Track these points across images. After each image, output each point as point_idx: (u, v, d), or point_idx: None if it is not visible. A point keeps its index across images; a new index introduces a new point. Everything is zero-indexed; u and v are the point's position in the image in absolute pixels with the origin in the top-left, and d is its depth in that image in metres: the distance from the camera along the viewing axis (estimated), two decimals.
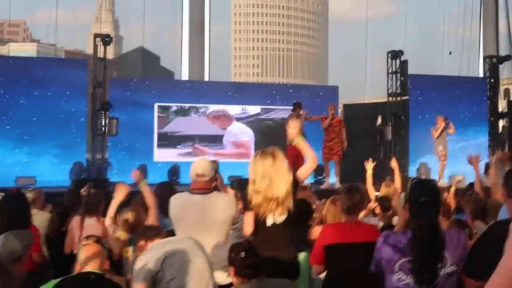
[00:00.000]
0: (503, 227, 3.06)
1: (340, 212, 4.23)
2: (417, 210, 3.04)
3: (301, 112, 12.30)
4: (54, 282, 3.38)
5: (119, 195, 4.86)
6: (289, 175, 3.93)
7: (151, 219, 4.66)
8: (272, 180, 3.85)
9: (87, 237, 3.74)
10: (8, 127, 13.25)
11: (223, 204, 4.15)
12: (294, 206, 3.93)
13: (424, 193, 3.08)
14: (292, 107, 12.59)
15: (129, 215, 4.63)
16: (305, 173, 4.20)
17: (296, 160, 11.95)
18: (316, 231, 4.54)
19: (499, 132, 16.62)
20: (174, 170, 14.30)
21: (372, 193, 6.50)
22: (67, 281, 3.39)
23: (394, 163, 6.98)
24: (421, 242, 2.94)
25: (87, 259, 3.46)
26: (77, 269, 3.48)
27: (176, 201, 4.19)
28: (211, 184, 4.28)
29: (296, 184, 4.01)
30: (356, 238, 3.89)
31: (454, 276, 3.01)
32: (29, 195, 6.06)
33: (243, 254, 3.28)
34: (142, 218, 4.65)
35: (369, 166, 6.64)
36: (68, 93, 13.62)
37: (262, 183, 3.84)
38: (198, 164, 4.21)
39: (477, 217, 5.10)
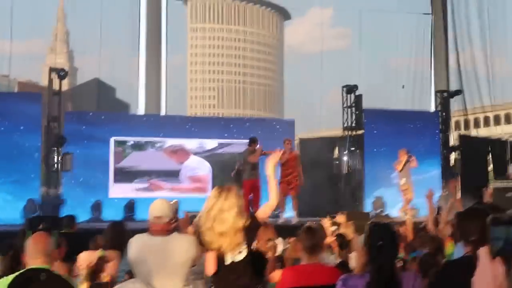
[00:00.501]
0: (456, 267, 3.15)
1: (302, 252, 4.22)
2: (375, 253, 3.08)
3: (256, 147, 12.35)
4: (5, 281, 3.32)
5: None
6: (242, 212, 3.92)
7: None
8: (224, 216, 3.84)
9: None
10: None
11: (182, 246, 4.12)
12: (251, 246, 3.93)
13: (382, 236, 3.12)
14: (248, 142, 12.63)
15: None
16: (265, 213, 4.21)
17: (253, 194, 12.01)
18: (276, 275, 4.53)
19: (452, 165, 16.99)
20: (130, 206, 14.11)
21: (329, 228, 6.54)
22: (17, 280, 3.33)
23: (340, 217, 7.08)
24: (378, 286, 2.98)
25: (35, 252, 3.42)
26: (25, 262, 3.47)
27: (135, 243, 4.15)
28: (170, 225, 4.25)
29: (255, 222, 4.01)
30: (317, 281, 3.89)
31: None
32: None
33: None
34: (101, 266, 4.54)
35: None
36: (21, 127, 13.34)
37: (215, 221, 3.82)
38: (156, 206, 4.19)
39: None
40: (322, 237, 4.28)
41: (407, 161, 13.45)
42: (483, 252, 0.89)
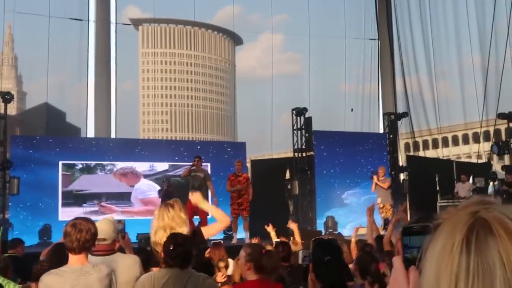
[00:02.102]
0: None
1: (249, 270, 4.22)
2: (323, 269, 3.11)
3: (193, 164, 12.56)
4: None
5: None
6: (185, 226, 3.98)
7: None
8: (170, 230, 3.89)
9: None
10: None
11: (125, 265, 4.09)
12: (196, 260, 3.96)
13: (327, 252, 3.15)
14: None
15: None
16: (213, 230, 4.28)
17: (198, 211, 12.01)
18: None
19: (400, 185, 17.31)
20: None
21: (274, 238, 6.67)
22: None
23: (292, 224, 7.18)
24: None
25: None
26: None
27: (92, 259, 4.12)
28: (114, 246, 4.23)
29: (197, 237, 4.09)
30: None
31: None
32: None
33: (171, 246, 3.47)
34: None
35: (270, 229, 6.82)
36: None
37: (162, 234, 3.85)
38: (98, 228, 4.15)
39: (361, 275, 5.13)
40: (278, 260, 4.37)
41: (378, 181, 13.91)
42: (396, 261, 0.94)
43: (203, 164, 13.36)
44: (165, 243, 3.53)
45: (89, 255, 4.03)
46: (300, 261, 4.39)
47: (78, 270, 3.54)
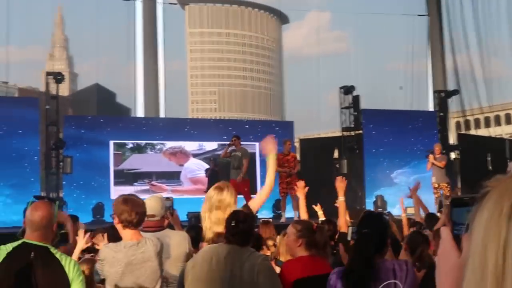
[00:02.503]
0: None
1: (300, 246, 4.23)
2: (359, 240, 3.10)
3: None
4: (3, 250, 3.25)
5: (81, 242, 4.79)
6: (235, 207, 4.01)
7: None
8: (220, 213, 3.91)
9: None
10: None
11: (175, 241, 4.16)
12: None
13: (368, 225, 3.13)
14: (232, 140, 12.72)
15: (84, 267, 4.52)
16: (259, 199, 4.30)
17: (242, 192, 12.09)
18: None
19: (451, 164, 17.01)
20: None
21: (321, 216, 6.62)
22: (12, 255, 3.25)
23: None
24: (352, 274, 2.97)
25: (32, 224, 3.32)
26: (26, 233, 3.35)
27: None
28: (163, 222, 4.30)
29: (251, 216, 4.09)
30: (319, 271, 3.92)
31: None
32: None
33: (233, 222, 3.44)
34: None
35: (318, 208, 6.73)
36: (20, 132, 13.45)
37: (213, 217, 3.87)
38: (148, 205, 4.22)
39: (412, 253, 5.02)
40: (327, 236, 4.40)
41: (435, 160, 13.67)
42: (444, 231, 0.92)
43: (245, 143, 13.36)
44: (227, 220, 3.52)
45: (141, 232, 4.11)
46: (349, 238, 4.38)
47: (134, 245, 3.61)
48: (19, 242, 3.31)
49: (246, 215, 3.61)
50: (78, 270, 3.36)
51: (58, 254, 3.36)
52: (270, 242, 6.14)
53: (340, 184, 5.47)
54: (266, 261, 3.55)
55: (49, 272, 3.23)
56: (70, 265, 3.31)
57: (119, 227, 3.71)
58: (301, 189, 6.07)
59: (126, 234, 3.66)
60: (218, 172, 13.67)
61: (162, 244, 3.73)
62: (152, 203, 4.22)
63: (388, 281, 3.00)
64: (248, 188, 12.02)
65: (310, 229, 4.21)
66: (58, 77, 13.97)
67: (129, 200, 3.68)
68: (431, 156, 13.79)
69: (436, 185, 13.57)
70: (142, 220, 3.70)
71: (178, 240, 4.20)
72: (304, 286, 3.95)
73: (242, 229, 3.46)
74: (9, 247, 3.28)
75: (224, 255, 3.43)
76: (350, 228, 3.77)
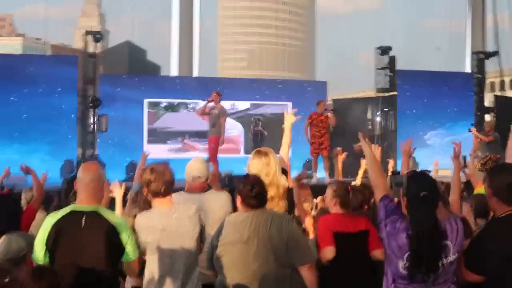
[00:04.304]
0: (502, 223, 3.18)
1: (335, 205, 4.43)
2: (416, 204, 3.06)
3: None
4: (51, 220, 3.32)
5: (119, 195, 4.88)
6: (279, 170, 4.19)
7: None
8: (267, 177, 4.00)
9: None
10: None
11: (221, 201, 4.27)
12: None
13: (422, 186, 3.10)
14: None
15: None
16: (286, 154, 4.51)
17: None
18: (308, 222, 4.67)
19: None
20: None
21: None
22: (60, 223, 3.30)
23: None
24: (421, 237, 2.98)
25: (85, 186, 3.37)
26: (77, 196, 3.41)
27: (177, 199, 4.27)
28: (206, 184, 4.38)
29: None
30: (356, 228, 4.20)
31: (455, 264, 3.10)
32: (27, 195, 6.05)
33: (249, 186, 3.55)
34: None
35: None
36: (58, 89, 13.63)
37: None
38: (193, 167, 4.29)
39: (478, 215, 5.01)
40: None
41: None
42: None
43: (278, 102, 13.30)
44: (240, 186, 3.60)
45: (187, 193, 4.19)
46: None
47: (167, 212, 3.65)
48: (68, 210, 3.37)
49: (257, 178, 3.70)
50: (128, 229, 3.42)
51: (108, 214, 3.43)
52: (307, 205, 6.11)
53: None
54: (291, 223, 3.64)
55: (101, 237, 3.29)
56: (121, 226, 3.38)
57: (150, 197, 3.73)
58: (339, 155, 6.29)
59: (157, 202, 3.70)
60: (262, 132, 13.72)
61: (198, 207, 3.77)
62: (198, 165, 4.29)
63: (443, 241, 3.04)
64: (215, 144, 12.20)
65: (344, 189, 4.38)
66: (96, 36, 14.05)
67: (155, 169, 3.69)
68: (473, 129, 13.57)
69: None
70: (170, 188, 3.72)
71: (223, 201, 4.29)
72: (343, 239, 4.17)
73: (258, 191, 3.57)
74: (58, 215, 3.34)
75: (248, 222, 3.53)
76: (388, 178, 3.81)
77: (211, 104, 12.39)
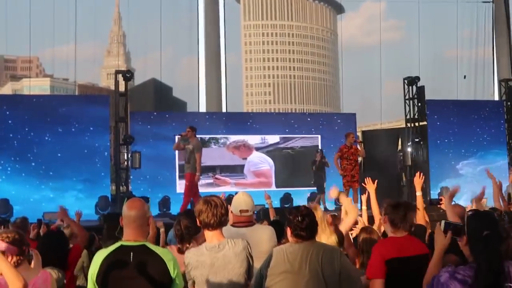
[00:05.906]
0: None
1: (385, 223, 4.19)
2: (481, 245, 2.95)
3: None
4: (102, 254, 3.33)
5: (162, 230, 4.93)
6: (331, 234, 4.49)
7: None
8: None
9: None
10: (33, 163, 13.49)
11: (267, 235, 4.28)
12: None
13: (485, 226, 2.99)
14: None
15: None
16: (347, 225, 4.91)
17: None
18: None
19: None
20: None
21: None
22: (110, 259, 3.29)
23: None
24: (488, 278, 2.88)
25: (131, 222, 3.35)
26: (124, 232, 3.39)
27: (225, 234, 4.29)
28: (252, 218, 4.41)
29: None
30: (410, 252, 3.83)
31: None
32: (66, 232, 6.18)
33: (299, 217, 3.57)
34: None
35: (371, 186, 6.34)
36: (91, 128, 13.86)
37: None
38: (241, 200, 4.31)
39: None
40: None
41: None
42: None
43: (307, 136, 13.25)
44: (290, 217, 3.61)
45: (234, 228, 4.22)
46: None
47: (216, 247, 3.65)
48: (117, 245, 3.38)
49: (308, 208, 3.72)
50: (176, 262, 3.44)
51: (157, 249, 3.46)
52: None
53: (417, 180, 5.50)
54: (343, 256, 3.64)
55: (150, 270, 3.29)
56: (170, 261, 3.41)
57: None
58: (370, 184, 6.01)
59: (207, 235, 3.71)
60: (325, 163, 13.65)
61: (246, 243, 3.74)
62: (245, 198, 4.33)
63: (506, 284, 2.91)
64: (189, 181, 11.62)
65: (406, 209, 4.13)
66: (127, 75, 14.31)
67: (209, 201, 3.70)
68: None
69: None
70: (222, 221, 3.70)
71: (269, 234, 4.31)
72: (397, 266, 3.81)
73: (308, 222, 3.58)
74: (107, 250, 3.35)
75: (299, 255, 3.53)
76: (443, 222, 3.67)
77: (184, 139, 12.01)
